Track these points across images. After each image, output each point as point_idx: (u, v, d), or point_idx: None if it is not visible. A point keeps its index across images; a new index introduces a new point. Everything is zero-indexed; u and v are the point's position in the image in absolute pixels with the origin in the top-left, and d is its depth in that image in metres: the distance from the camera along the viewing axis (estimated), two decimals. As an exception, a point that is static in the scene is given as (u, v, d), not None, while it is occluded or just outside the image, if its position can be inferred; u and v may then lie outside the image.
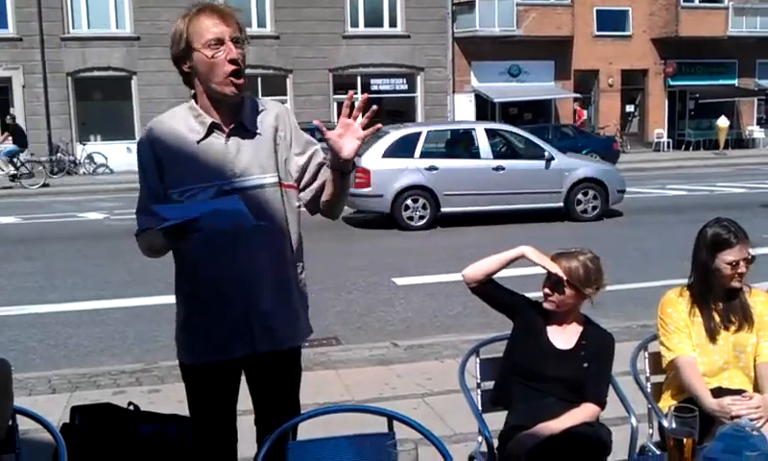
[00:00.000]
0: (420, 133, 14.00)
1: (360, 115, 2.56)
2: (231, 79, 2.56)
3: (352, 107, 2.55)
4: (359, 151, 2.64)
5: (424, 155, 13.73)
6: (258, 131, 2.67)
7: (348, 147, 2.54)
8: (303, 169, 2.73)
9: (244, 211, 2.41)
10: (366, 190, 13.11)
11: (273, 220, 2.64)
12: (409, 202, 13.44)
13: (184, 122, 2.66)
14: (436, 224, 13.48)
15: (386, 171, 13.25)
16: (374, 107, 2.63)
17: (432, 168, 13.48)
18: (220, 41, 2.53)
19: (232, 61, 2.54)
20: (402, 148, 13.61)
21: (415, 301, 8.32)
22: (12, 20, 24.91)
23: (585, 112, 31.33)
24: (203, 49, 2.55)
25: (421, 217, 13.45)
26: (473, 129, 14.63)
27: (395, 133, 13.79)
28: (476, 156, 13.83)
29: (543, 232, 12.33)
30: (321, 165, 2.74)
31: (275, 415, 2.73)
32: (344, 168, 2.59)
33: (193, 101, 2.69)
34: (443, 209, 13.54)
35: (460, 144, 14.99)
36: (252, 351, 2.72)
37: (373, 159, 13.24)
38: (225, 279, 2.65)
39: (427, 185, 13.42)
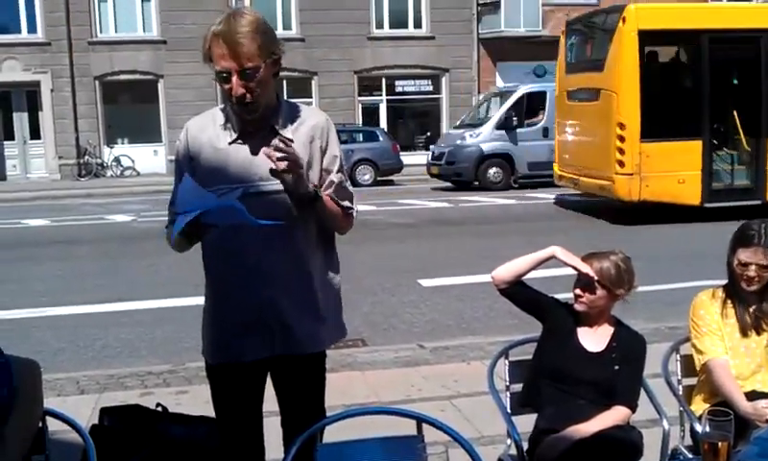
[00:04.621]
0: None
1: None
2: (239, 106, 2.59)
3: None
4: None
5: None
6: (290, 137, 2.67)
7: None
8: (320, 185, 2.72)
9: (244, 211, 2.42)
10: None
11: (296, 225, 2.64)
12: None
13: (216, 124, 2.71)
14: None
15: None
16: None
17: None
18: (228, 75, 2.54)
19: (237, 97, 2.55)
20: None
21: (440, 302, 8.28)
22: (40, 25, 25.18)
23: None
24: (216, 74, 2.59)
25: None
26: None
27: None
28: None
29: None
30: (330, 184, 2.73)
31: (299, 418, 2.74)
32: (303, 198, 2.59)
33: (226, 104, 2.71)
34: None
35: None
36: (270, 353, 2.72)
37: None
38: (243, 277, 2.66)
39: None
